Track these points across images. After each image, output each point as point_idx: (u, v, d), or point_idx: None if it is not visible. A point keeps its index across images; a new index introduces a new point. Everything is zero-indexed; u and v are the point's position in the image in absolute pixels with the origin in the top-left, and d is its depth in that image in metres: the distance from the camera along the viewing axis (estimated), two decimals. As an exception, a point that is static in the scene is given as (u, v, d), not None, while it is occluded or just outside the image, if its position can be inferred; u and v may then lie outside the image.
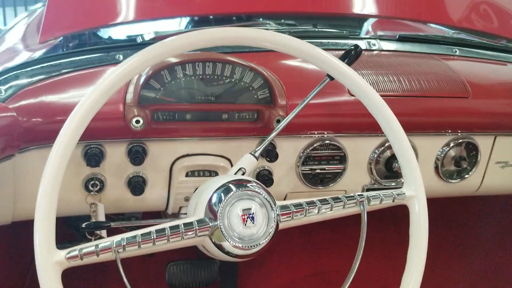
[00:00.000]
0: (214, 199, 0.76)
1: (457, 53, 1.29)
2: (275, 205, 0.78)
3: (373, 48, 1.24)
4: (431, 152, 1.16)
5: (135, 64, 0.72)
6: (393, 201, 0.84)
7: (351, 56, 0.93)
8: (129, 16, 1.15)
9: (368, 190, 1.14)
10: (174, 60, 0.93)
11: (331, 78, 0.90)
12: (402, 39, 1.29)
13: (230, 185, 0.77)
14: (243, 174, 0.85)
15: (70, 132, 0.67)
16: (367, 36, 1.27)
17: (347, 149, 1.09)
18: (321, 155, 1.08)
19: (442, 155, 1.16)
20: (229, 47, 1.12)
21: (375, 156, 1.11)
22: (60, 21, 1.19)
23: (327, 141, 1.07)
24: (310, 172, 1.08)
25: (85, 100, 0.69)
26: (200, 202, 0.78)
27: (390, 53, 1.24)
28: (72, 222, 1.17)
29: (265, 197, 0.77)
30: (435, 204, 1.40)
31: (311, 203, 0.79)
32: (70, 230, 1.18)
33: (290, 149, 1.06)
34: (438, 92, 1.11)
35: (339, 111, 1.06)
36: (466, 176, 1.19)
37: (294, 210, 0.79)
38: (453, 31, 1.37)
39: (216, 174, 1.03)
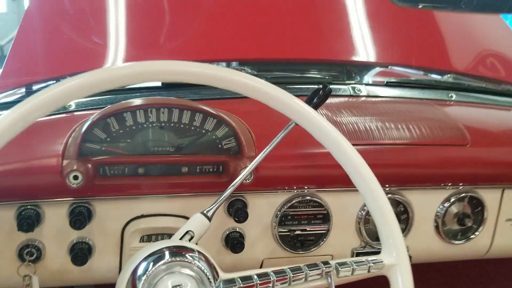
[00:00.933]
0: (139, 270, 0.61)
1: (453, 98, 1.17)
2: (216, 280, 0.63)
3: (359, 93, 1.12)
4: (429, 208, 1.01)
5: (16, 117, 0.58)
6: (368, 271, 0.68)
7: (319, 97, 0.81)
8: (91, 66, 1.06)
9: (358, 254, 0.99)
10: (122, 105, 0.81)
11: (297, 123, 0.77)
12: (391, 84, 1.18)
13: (166, 252, 0.63)
14: (191, 238, 0.70)
15: None
16: (353, 82, 1.16)
17: (331, 207, 0.94)
18: (301, 214, 0.93)
19: (442, 212, 1.00)
20: (196, 93, 1.00)
21: (364, 214, 0.96)
22: (18, 71, 1.10)
23: (308, 197, 0.92)
24: (288, 233, 0.93)
25: None
26: (126, 273, 0.63)
27: (378, 99, 1.12)
28: None
29: (205, 270, 0.62)
30: (438, 265, 1.23)
31: (263, 276, 0.64)
32: None
33: (264, 207, 0.92)
34: (431, 140, 0.98)
35: (319, 162, 0.92)
36: (472, 236, 1.03)
37: (242, 286, 0.63)
38: (448, 75, 1.25)
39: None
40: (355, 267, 0.67)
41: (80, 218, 0.80)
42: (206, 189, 0.87)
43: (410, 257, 0.98)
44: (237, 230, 0.91)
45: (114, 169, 0.83)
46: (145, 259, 0.62)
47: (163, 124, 0.83)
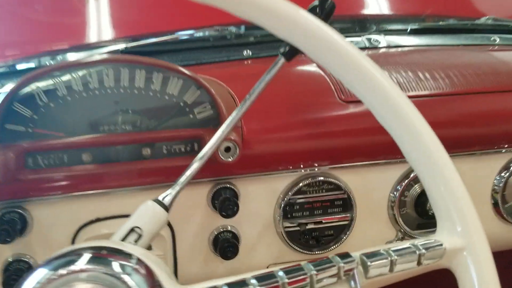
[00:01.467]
0: (30, 282, 0.39)
1: (498, 41, 0.92)
2: None
3: (377, 45, 0.88)
4: (483, 181, 0.76)
5: None
6: (418, 262, 0.44)
7: (317, 14, 0.56)
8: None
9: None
10: (48, 68, 0.59)
11: (288, 56, 0.54)
12: (415, 31, 0.93)
13: (83, 256, 0.40)
14: (138, 238, 0.47)
15: None
16: (367, 33, 0.92)
17: (353, 188, 0.70)
18: (313, 201, 0.70)
19: (501, 185, 0.76)
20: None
21: (398, 195, 0.72)
22: None
23: (320, 178, 0.69)
24: (298, 229, 0.70)
25: None
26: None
27: (403, 49, 0.88)
28: None
29: (133, 286, 0.39)
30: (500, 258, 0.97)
31: (239, 286, 0.40)
32: None
33: (262, 196, 0.69)
34: (479, 87, 0.74)
35: (333, 128, 0.69)
36: (543, 213, 0.78)
37: None
38: (487, 17, 1.00)
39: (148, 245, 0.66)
40: (395, 258, 0.43)
41: (7, 228, 0.58)
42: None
43: None
44: (229, 229, 0.68)
45: (49, 158, 0.61)
46: (47, 264, 0.40)
47: (109, 91, 0.61)
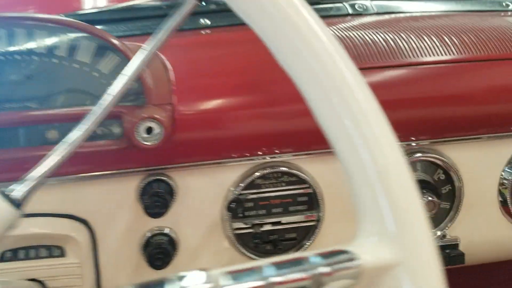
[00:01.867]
0: None
1: (511, 7, 0.77)
2: None
3: (362, 12, 0.74)
4: (489, 173, 0.62)
5: None
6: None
7: None
8: None
9: None
10: None
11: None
12: None
13: None
14: None
15: None
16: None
17: (321, 182, 0.57)
18: (270, 197, 0.56)
19: (511, 178, 0.61)
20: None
21: (378, 189, 0.58)
22: None
23: (282, 169, 0.56)
24: (251, 230, 0.57)
25: None
26: None
27: (395, 16, 0.74)
28: None
29: None
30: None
31: None
32: None
33: (207, 190, 0.56)
34: (483, 54, 0.59)
35: (293, 106, 0.56)
36: None
37: None
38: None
39: (61, 252, 0.54)
40: (276, 279, 0.26)
41: None
42: (96, 167, 0.52)
43: (462, 255, 0.60)
44: (165, 231, 0.55)
45: None
46: None
47: (2, 58, 0.49)
